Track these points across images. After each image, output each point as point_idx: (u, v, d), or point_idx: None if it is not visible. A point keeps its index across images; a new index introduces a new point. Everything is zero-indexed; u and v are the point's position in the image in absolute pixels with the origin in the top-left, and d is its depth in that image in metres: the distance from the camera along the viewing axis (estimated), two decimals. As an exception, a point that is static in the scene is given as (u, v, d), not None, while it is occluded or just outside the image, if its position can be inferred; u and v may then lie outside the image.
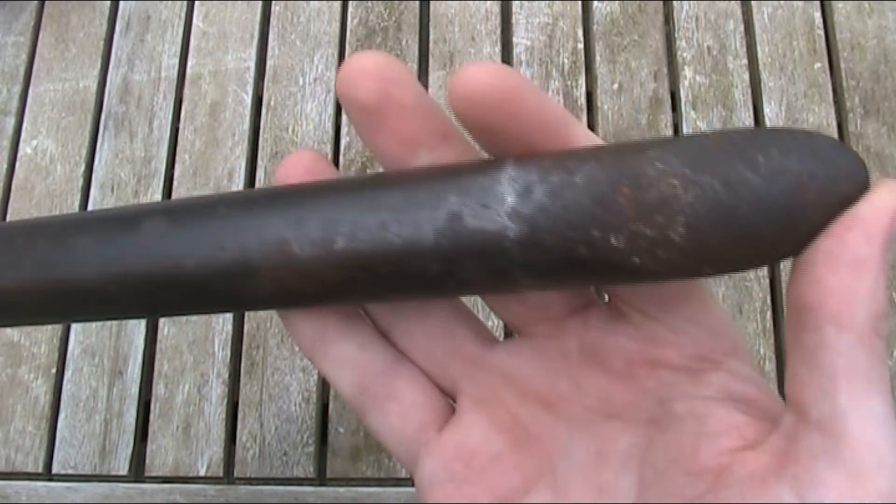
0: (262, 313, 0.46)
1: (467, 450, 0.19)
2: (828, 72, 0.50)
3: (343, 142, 0.50)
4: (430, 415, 0.20)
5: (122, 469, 0.44)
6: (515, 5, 0.53)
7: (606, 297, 0.20)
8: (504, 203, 0.16)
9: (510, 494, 0.19)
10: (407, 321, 0.20)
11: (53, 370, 0.46)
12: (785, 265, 0.47)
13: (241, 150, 0.50)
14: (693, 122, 0.49)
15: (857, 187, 0.16)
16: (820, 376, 0.15)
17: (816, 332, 0.15)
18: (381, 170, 0.20)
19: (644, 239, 0.15)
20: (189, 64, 0.52)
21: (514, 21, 0.52)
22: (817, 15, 0.51)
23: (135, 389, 0.46)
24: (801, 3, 0.52)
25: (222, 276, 0.18)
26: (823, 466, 0.15)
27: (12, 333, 0.47)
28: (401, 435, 0.20)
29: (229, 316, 0.47)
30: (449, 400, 0.21)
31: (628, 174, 0.15)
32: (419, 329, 0.20)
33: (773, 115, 0.49)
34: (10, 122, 0.52)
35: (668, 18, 0.52)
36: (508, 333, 0.45)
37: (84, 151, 0.51)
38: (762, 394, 0.18)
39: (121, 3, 0.54)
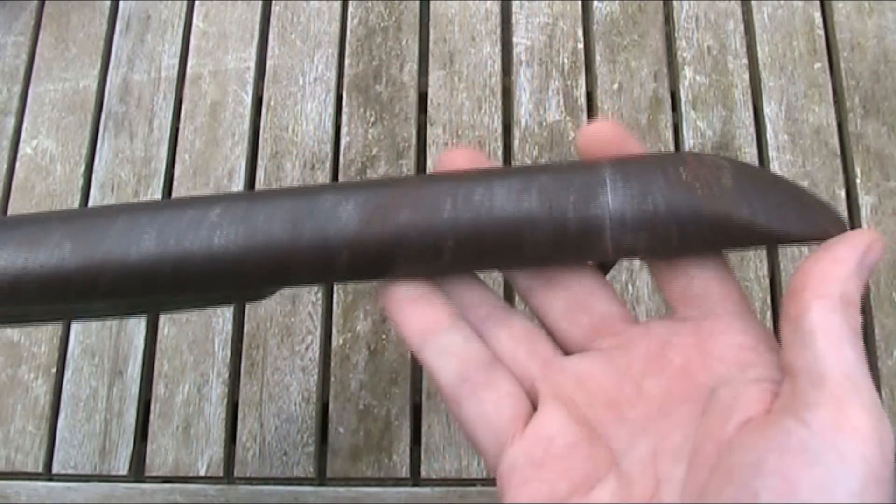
0: (261, 313, 0.46)
1: (546, 437, 0.21)
2: (828, 72, 0.50)
3: (343, 142, 0.50)
4: (520, 407, 0.22)
5: (122, 469, 0.44)
6: (515, 5, 0.53)
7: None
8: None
9: (581, 482, 0.21)
10: (496, 324, 0.23)
11: (53, 370, 0.46)
12: (785, 267, 0.47)
13: (241, 150, 0.50)
14: (693, 122, 0.49)
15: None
16: (802, 334, 0.19)
17: (799, 302, 0.19)
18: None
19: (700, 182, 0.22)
20: (189, 64, 0.52)
21: (514, 21, 0.52)
22: (817, 15, 0.51)
23: (135, 389, 0.46)
24: (801, 3, 0.52)
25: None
26: (813, 396, 0.18)
27: (12, 333, 0.47)
28: (493, 423, 0.22)
29: (229, 316, 0.47)
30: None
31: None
32: (505, 332, 0.23)
33: (773, 115, 0.49)
34: (10, 122, 0.52)
35: (668, 18, 0.52)
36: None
37: (84, 151, 0.51)
38: None
39: (121, 3, 0.54)
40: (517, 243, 0.22)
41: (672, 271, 0.23)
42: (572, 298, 0.23)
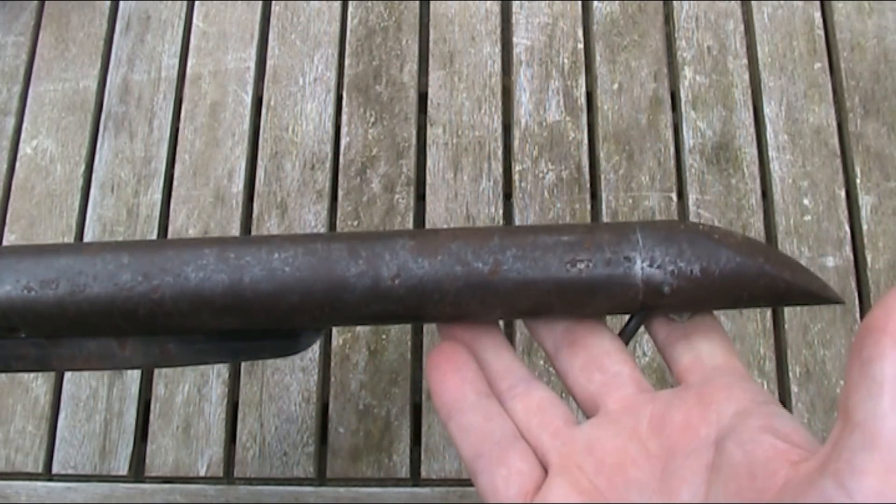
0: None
1: None
2: (828, 72, 0.50)
3: (343, 142, 0.50)
4: (529, 482, 0.24)
5: (122, 469, 0.44)
6: (515, 5, 0.52)
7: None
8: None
9: None
10: (516, 396, 0.26)
11: (53, 370, 0.46)
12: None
13: (241, 150, 0.50)
14: (693, 122, 0.49)
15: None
16: (870, 382, 0.17)
17: (876, 346, 0.17)
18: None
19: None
20: (189, 64, 0.52)
21: (514, 21, 0.52)
22: (817, 15, 0.51)
23: (135, 389, 0.46)
24: (801, 3, 0.52)
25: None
26: (861, 459, 0.17)
27: (12, 333, 0.47)
28: (502, 496, 0.24)
29: (229, 316, 0.46)
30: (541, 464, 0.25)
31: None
32: (522, 405, 0.25)
33: (773, 115, 0.49)
34: (10, 122, 0.52)
35: (668, 18, 0.52)
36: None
37: (84, 151, 0.51)
38: (799, 428, 0.21)
39: (121, 3, 0.54)
40: (559, 280, 0.24)
41: (680, 347, 0.25)
42: (590, 357, 0.25)
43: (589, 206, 0.48)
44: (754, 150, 0.49)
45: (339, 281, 0.24)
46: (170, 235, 0.48)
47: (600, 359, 0.25)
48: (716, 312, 0.26)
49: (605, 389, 0.25)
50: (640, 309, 0.25)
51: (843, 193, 0.48)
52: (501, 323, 0.29)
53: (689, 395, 0.23)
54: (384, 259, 0.24)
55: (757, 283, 0.24)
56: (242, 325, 0.25)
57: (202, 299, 0.24)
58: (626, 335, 0.26)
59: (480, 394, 0.25)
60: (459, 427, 0.25)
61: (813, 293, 0.25)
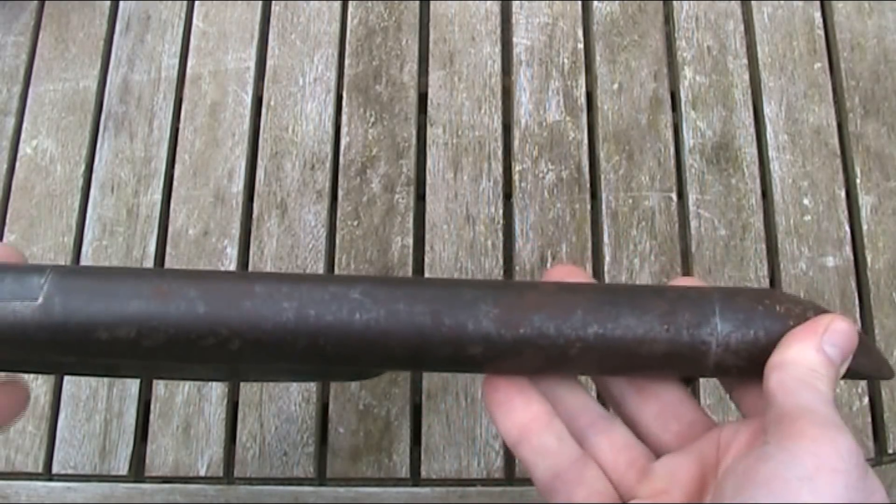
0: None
1: None
2: (828, 72, 0.50)
3: (343, 142, 0.50)
4: (611, 501, 0.25)
5: (122, 469, 0.44)
6: (515, 5, 0.52)
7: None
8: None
9: None
10: (598, 433, 0.26)
11: (53, 370, 0.46)
12: (785, 267, 0.47)
13: (241, 150, 0.50)
14: (693, 122, 0.49)
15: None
16: (767, 399, 0.22)
17: (765, 378, 0.23)
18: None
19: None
20: (189, 64, 0.52)
21: (514, 21, 0.52)
22: (817, 15, 0.51)
23: (135, 389, 0.46)
24: (801, 3, 0.52)
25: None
26: (774, 427, 0.22)
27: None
28: None
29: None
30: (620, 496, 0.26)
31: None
32: (606, 441, 0.26)
33: (773, 115, 0.49)
34: (10, 122, 0.51)
35: (668, 18, 0.52)
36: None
37: (84, 151, 0.51)
38: None
39: (121, 3, 0.54)
40: (636, 356, 0.24)
41: (746, 389, 0.26)
42: (664, 406, 0.26)
43: (589, 207, 0.48)
44: (754, 150, 0.49)
45: (418, 349, 0.24)
46: (170, 236, 0.48)
47: (675, 408, 0.26)
48: None
49: (684, 440, 0.26)
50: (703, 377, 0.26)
51: (843, 193, 0.48)
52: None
53: (751, 423, 0.25)
54: (467, 329, 0.24)
55: None
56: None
57: (280, 354, 0.24)
58: (689, 380, 0.27)
59: (550, 415, 0.26)
60: (533, 449, 0.25)
61: (873, 376, 0.26)
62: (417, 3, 0.53)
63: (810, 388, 0.22)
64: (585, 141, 0.49)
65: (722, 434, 0.25)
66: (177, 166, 0.50)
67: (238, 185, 0.49)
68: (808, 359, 0.23)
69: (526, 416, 0.25)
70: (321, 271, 0.47)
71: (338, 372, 0.27)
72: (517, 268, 0.47)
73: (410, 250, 0.47)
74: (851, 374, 0.25)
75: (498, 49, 0.51)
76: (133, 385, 0.46)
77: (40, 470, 0.45)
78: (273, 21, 0.53)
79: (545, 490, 0.25)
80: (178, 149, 0.50)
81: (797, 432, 0.21)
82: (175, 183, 0.49)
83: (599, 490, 0.25)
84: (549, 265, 0.47)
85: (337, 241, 0.48)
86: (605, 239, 0.47)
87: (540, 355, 0.24)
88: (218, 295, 0.23)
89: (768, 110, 0.49)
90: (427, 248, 0.47)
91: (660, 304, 0.25)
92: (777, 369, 0.23)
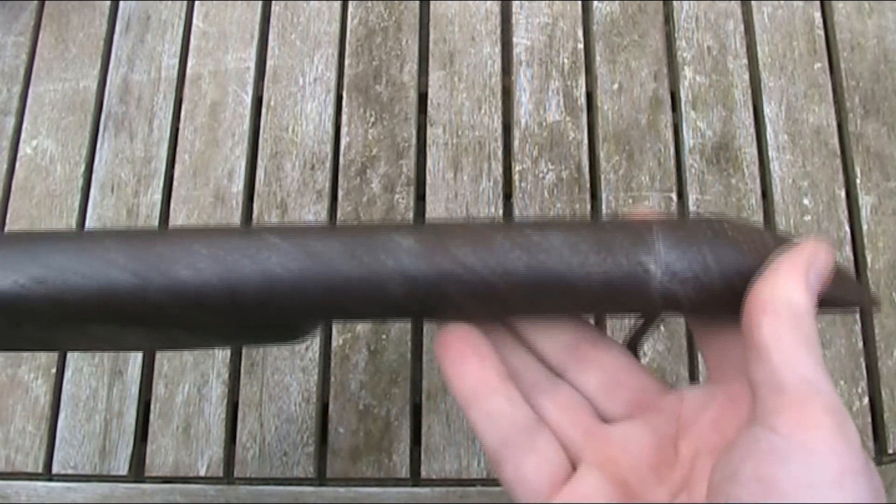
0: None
1: (581, 496, 0.23)
2: (828, 72, 0.50)
3: (343, 142, 0.50)
4: (559, 471, 0.23)
5: (122, 469, 0.44)
6: (515, 5, 0.52)
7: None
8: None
9: None
10: (542, 393, 0.24)
11: (53, 370, 0.46)
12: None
13: (241, 150, 0.50)
14: (693, 122, 0.49)
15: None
16: (757, 350, 0.20)
17: (751, 322, 0.21)
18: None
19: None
20: (189, 64, 0.52)
21: (514, 21, 0.52)
22: (817, 15, 0.51)
23: (135, 389, 0.46)
24: (801, 3, 0.52)
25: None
26: (775, 404, 0.19)
27: (12, 333, 0.47)
28: (532, 485, 0.23)
29: (229, 316, 0.46)
30: (570, 463, 0.24)
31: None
32: (551, 402, 0.24)
33: (773, 115, 0.49)
34: (10, 122, 0.51)
35: (668, 18, 0.52)
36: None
37: (84, 151, 0.51)
38: None
39: (121, 3, 0.54)
40: (571, 288, 0.23)
41: (714, 340, 0.24)
42: (607, 374, 0.25)
43: (589, 206, 0.48)
44: (754, 150, 0.49)
45: (337, 288, 0.23)
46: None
47: (619, 374, 0.25)
48: None
49: (635, 408, 0.24)
50: (655, 313, 0.24)
51: (843, 193, 0.48)
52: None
53: (719, 393, 0.23)
54: (385, 264, 0.23)
55: None
56: (240, 324, 0.24)
57: (194, 302, 0.23)
58: (637, 334, 0.25)
59: (503, 377, 0.24)
60: (483, 414, 0.24)
61: (850, 303, 0.23)
62: (417, 3, 0.53)
63: (808, 345, 0.20)
64: (585, 141, 0.49)
65: (684, 404, 0.24)
66: (177, 166, 0.50)
67: (238, 185, 0.49)
68: (800, 301, 0.20)
69: (478, 379, 0.24)
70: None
71: (266, 332, 0.26)
72: (517, 268, 0.47)
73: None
74: (827, 306, 0.22)
75: (498, 49, 0.51)
76: (133, 385, 0.46)
77: (40, 470, 0.45)
78: (273, 21, 0.53)
79: (494, 458, 0.24)
80: (178, 149, 0.50)
81: (811, 423, 0.19)
82: (175, 183, 0.49)
83: (548, 457, 0.23)
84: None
85: (337, 241, 0.48)
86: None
87: (466, 292, 0.23)
88: (136, 244, 0.23)
89: (768, 110, 0.49)
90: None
91: (594, 232, 0.23)
92: (768, 312, 0.20)
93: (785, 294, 0.21)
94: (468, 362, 0.24)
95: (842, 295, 0.23)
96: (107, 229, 0.25)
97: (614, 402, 0.24)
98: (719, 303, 0.22)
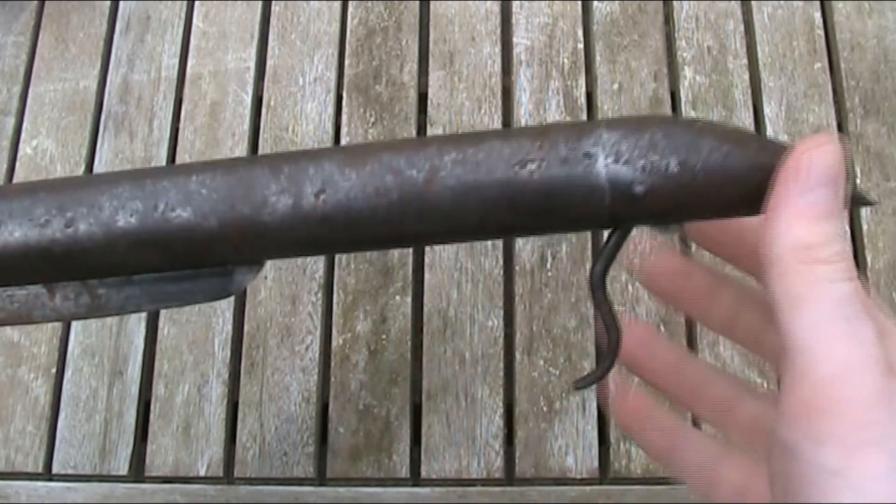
0: (261, 313, 0.46)
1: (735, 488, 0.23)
2: (828, 72, 0.50)
3: (343, 141, 0.50)
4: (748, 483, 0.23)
5: (122, 469, 0.44)
6: (515, 5, 0.52)
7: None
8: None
9: None
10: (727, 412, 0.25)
11: (53, 370, 0.46)
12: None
13: (241, 150, 0.50)
14: (693, 122, 0.49)
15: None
16: (769, 313, 0.18)
17: (773, 286, 0.18)
18: None
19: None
20: (189, 64, 0.52)
21: (514, 21, 0.52)
22: (817, 15, 0.51)
23: (135, 389, 0.46)
24: (801, 3, 0.52)
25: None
26: (787, 381, 0.18)
27: (12, 333, 0.47)
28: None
29: (229, 316, 0.46)
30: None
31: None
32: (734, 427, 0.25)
33: (773, 115, 0.49)
34: (10, 122, 0.51)
35: (668, 18, 0.52)
36: (508, 333, 0.45)
37: (84, 151, 0.51)
38: None
39: (121, 3, 0.54)
40: (508, 185, 0.20)
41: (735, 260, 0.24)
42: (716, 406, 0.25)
43: (589, 206, 0.48)
44: (754, 150, 0.49)
45: (258, 200, 0.21)
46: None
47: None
48: None
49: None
50: (613, 221, 0.21)
51: (843, 193, 0.48)
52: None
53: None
54: (308, 173, 0.21)
55: (750, 178, 0.19)
56: (163, 260, 0.23)
57: (117, 229, 0.22)
58: (604, 258, 0.22)
59: (685, 429, 0.26)
60: (680, 470, 0.25)
61: (854, 203, 0.20)
62: (417, 3, 0.53)
63: (814, 291, 0.18)
64: (585, 141, 0.49)
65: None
66: (177, 166, 0.50)
67: (238, 185, 0.49)
68: (797, 235, 0.18)
69: (665, 441, 0.25)
70: (321, 271, 0.47)
71: (202, 288, 0.24)
72: (517, 268, 0.47)
73: (410, 250, 0.47)
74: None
75: (498, 49, 0.51)
76: (133, 385, 0.46)
77: (40, 470, 0.45)
78: (273, 21, 0.53)
79: (702, 494, 0.25)
80: (178, 149, 0.50)
81: (809, 401, 0.17)
82: (175, 183, 0.49)
83: (735, 482, 0.23)
84: (549, 265, 0.47)
85: (337, 241, 0.48)
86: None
87: (392, 195, 0.20)
88: (61, 188, 0.23)
89: (768, 110, 0.49)
90: (427, 248, 0.47)
91: (532, 129, 0.21)
92: (771, 268, 0.18)
93: (781, 234, 0.18)
94: (650, 433, 0.26)
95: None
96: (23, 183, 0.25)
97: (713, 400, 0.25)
98: (679, 192, 0.20)
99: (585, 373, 0.28)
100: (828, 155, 0.18)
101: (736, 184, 0.20)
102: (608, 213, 0.20)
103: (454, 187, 0.20)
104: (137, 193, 0.22)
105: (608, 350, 0.22)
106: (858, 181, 0.48)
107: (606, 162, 0.20)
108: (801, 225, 0.18)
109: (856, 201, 0.21)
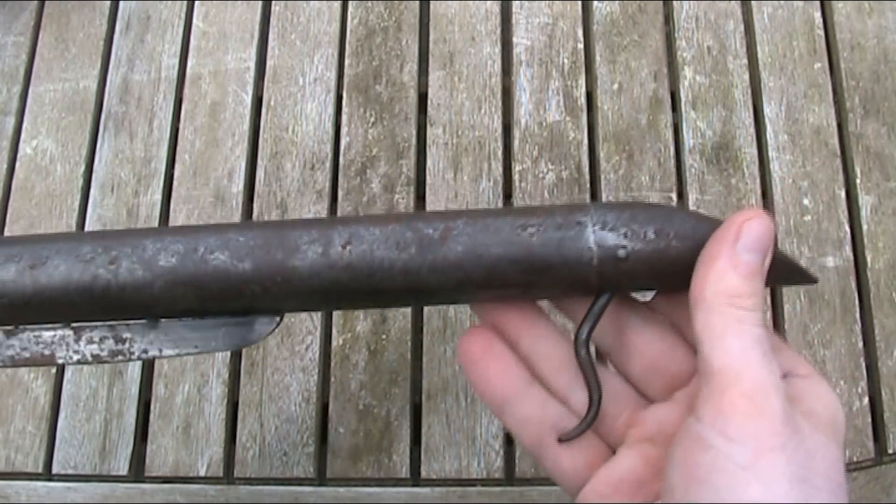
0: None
1: (616, 478, 0.24)
2: (828, 72, 0.50)
3: (343, 142, 0.50)
4: (596, 458, 0.25)
5: (122, 469, 0.44)
6: (515, 5, 0.52)
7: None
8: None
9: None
10: (580, 390, 0.26)
11: (53, 370, 0.46)
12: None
13: (241, 150, 0.50)
14: (693, 122, 0.49)
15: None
16: (695, 340, 0.22)
17: (696, 318, 0.22)
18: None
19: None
20: (189, 64, 0.52)
21: (514, 21, 0.52)
22: (817, 15, 0.51)
23: (135, 389, 0.46)
24: (801, 3, 0.52)
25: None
26: (703, 393, 0.21)
27: (12, 333, 0.47)
28: (570, 474, 0.25)
29: (229, 316, 0.46)
30: (606, 444, 0.26)
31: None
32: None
33: (773, 115, 0.49)
34: (10, 122, 0.51)
35: (668, 18, 0.52)
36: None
37: (84, 151, 0.51)
38: None
39: (121, 3, 0.54)
40: (508, 244, 0.24)
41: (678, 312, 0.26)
42: (648, 360, 0.26)
43: (589, 206, 0.48)
44: (754, 150, 0.49)
45: (291, 246, 0.24)
46: (170, 235, 0.48)
47: (659, 359, 0.26)
48: None
49: (669, 390, 0.26)
50: (600, 281, 0.24)
51: (843, 193, 0.48)
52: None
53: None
54: (337, 229, 0.24)
55: None
56: (196, 299, 0.25)
57: (158, 267, 0.24)
58: (589, 320, 0.25)
59: (527, 382, 0.26)
60: (516, 419, 0.26)
61: (782, 263, 0.24)
62: (417, 3, 0.53)
63: (736, 328, 0.21)
64: (585, 141, 0.49)
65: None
66: (177, 166, 0.50)
67: (238, 185, 0.49)
68: (727, 284, 0.22)
69: (505, 387, 0.26)
70: (321, 271, 0.47)
71: (224, 335, 0.27)
72: (517, 268, 0.47)
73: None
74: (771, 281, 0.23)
75: (498, 49, 0.51)
76: (133, 385, 0.46)
77: (40, 470, 0.45)
78: (273, 21, 0.53)
79: (534, 456, 0.26)
80: (178, 149, 0.50)
81: (729, 407, 0.20)
82: (175, 183, 0.49)
83: (583, 447, 0.25)
84: (549, 265, 0.47)
85: (337, 241, 0.48)
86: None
87: (411, 249, 0.24)
88: (108, 234, 0.25)
89: (768, 110, 0.49)
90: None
91: (532, 207, 0.25)
92: (699, 306, 0.22)
93: (713, 281, 0.22)
94: (492, 371, 0.26)
95: (781, 259, 0.24)
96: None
97: (654, 386, 0.26)
98: (656, 256, 0.23)
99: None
100: (762, 226, 0.22)
101: (702, 249, 0.23)
102: (596, 273, 0.24)
103: (465, 243, 0.24)
104: (180, 239, 0.25)
105: (590, 405, 0.25)
106: (858, 181, 0.48)
107: (594, 228, 0.24)
108: (733, 276, 0.21)
109: (798, 277, 0.25)
